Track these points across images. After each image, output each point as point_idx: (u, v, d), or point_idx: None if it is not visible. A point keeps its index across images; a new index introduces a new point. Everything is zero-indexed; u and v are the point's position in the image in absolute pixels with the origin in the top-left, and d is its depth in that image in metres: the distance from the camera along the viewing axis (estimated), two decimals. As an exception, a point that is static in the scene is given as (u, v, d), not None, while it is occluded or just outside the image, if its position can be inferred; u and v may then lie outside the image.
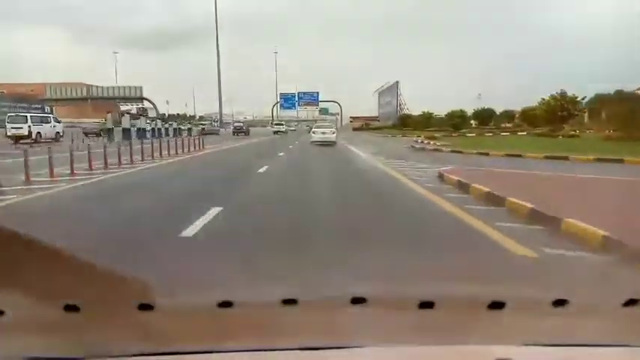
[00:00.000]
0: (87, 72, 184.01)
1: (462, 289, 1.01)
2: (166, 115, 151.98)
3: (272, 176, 13.52)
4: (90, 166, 14.38)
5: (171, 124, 48.72)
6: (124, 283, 0.99)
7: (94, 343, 0.81)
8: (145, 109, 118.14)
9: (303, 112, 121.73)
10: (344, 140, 37.22)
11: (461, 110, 61.09)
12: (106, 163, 15.40)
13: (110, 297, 0.92)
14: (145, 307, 0.87)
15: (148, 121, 47.77)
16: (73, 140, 26.25)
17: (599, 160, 17.17)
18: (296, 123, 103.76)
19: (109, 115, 40.12)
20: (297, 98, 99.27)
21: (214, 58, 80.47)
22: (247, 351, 0.79)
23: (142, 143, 20.04)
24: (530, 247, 5.16)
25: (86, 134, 42.88)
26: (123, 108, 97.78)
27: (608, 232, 5.26)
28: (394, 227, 6.50)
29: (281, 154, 22.71)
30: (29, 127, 29.48)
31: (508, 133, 46.90)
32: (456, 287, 1.03)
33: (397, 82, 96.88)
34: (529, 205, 7.08)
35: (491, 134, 46.70)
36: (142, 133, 36.69)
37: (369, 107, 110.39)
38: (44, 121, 31.79)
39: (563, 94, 38.56)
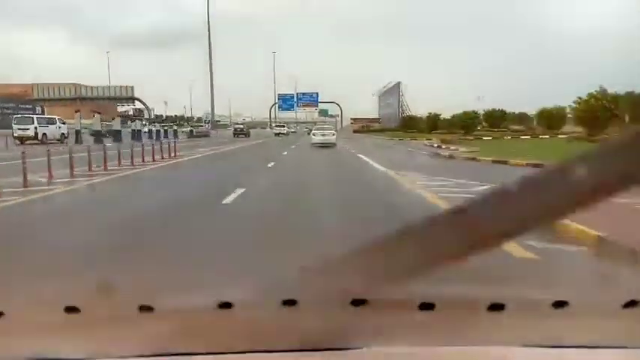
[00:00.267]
0: (85, 72, 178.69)
1: (462, 291, 0.99)
2: (164, 116, 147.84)
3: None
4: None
5: (154, 126, 43.58)
6: (124, 285, 0.98)
7: (95, 345, 0.81)
8: (140, 111, 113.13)
9: (302, 114, 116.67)
10: (348, 145, 31.96)
11: (473, 111, 55.37)
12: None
13: (110, 298, 0.92)
14: (145, 308, 0.85)
15: (131, 123, 44.17)
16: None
17: None
18: (295, 125, 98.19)
19: (96, 117, 36.97)
20: (295, 99, 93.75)
21: (213, 59, 75.06)
22: (247, 352, 0.78)
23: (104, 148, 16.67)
24: None
25: None
26: (120, 109, 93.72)
27: None
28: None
29: (270, 164, 17.35)
30: (35, 128, 29.78)
31: (529, 137, 41.30)
32: (456, 288, 0.99)
33: (399, 82, 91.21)
34: None
35: (509, 137, 41.28)
36: (116, 134, 33.63)
37: (368, 109, 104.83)
38: (50, 122, 31.85)
39: (604, 92, 32.60)
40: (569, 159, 0.55)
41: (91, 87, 78.86)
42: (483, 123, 59.09)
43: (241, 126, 65.06)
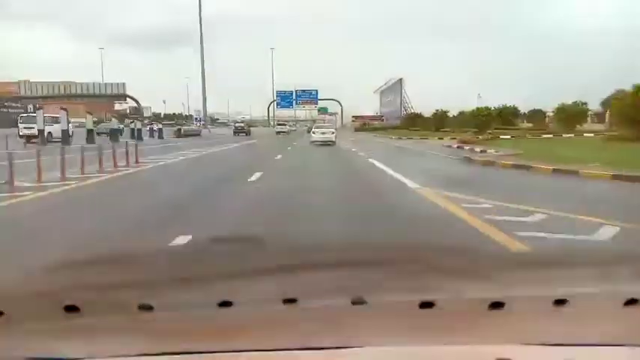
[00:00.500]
0: (83, 72, 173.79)
1: (462, 289, 0.98)
2: (162, 114, 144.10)
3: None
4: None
5: (134, 124, 38.54)
6: (124, 283, 0.99)
7: (95, 344, 0.80)
8: (137, 109, 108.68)
9: (301, 112, 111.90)
10: (354, 146, 26.98)
11: (487, 108, 50.17)
12: None
13: (110, 297, 0.91)
14: (145, 307, 0.85)
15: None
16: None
17: None
18: (294, 123, 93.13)
19: (89, 117, 34.18)
20: (294, 96, 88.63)
21: (212, 57, 70.15)
22: (247, 351, 0.77)
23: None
24: None
25: None
26: (117, 107, 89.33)
27: None
28: None
29: (257, 175, 12.18)
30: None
31: (550, 135, 36.38)
32: (457, 287, 0.99)
33: (401, 79, 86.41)
34: None
35: (529, 136, 36.44)
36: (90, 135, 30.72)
37: (369, 106, 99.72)
38: (55, 121, 31.17)
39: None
40: None
41: (81, 84, 73.58)
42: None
43: (242, 124, 62.84)
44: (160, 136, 40.18)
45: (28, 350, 0.77)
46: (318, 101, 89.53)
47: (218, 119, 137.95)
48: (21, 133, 28.89)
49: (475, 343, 0.80)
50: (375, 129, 70.54)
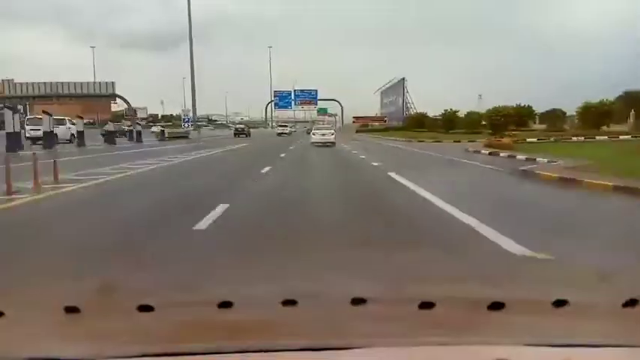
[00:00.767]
0: (81, 72, 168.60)
1: (461, 290, 0.97)
2: (160, 115, 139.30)
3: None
4: None
5: (108, 126, 33.51)
6: (124, 284, 0.97)
7: (95, 344, 0.79)
8: (134, 110, 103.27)
9: (300, 113, 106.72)
10: (363, 152, 22.06)
11: (504, 107, 44.72)
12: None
13: (110, 298, 0.91)
14: (145, 308, 0.85)
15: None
16: None
17: None
18: (293, 124, 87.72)
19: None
20: (293, 96, 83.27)
21: (210, 57, 65.11)
22: (247, 352, 0.76)
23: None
24: None
25: None
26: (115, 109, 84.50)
27: None
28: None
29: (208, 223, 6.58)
30: None
31: (581, 138, 31.21)
32: (456, 288, 0.98)
33: (403, 78, 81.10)
34: None
35: (555, 139, 31.17)
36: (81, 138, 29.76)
37: (370, 107, 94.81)
38: (60, 123, 30.91)
39: None
40: None
41: (69, 83, 67.97)
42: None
43: (242, 126, 61.05)
44: (139, 139, 34.72)
45: (28, 350, 0.76)
46: (318, 102, 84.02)
47: (216, 120, 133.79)
48: (27, 135, 28.28)
49: (475, 343, 0.79)
50: (376, 130, 65.53)
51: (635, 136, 29.61)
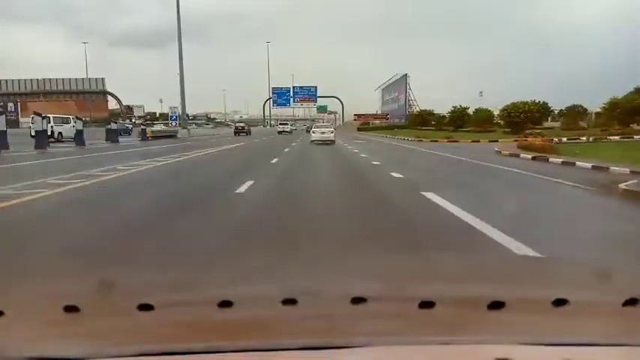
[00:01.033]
0: (80, 69, 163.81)
1: (461, 289, 0.96)
2: (158, 113, 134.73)
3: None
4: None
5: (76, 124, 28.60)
6: (124, 283, 0.97)
7: (94, 344, 0.78)
8: (130, 108, 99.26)
9: (299, 110, 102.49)
10: (372, 155, 17.72)
11: (525, 103, 39.74)
12: None
13: (110, 297, 0.91)
14: (145, 307, 0.84)
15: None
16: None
17: None
18: (292, 122, 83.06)
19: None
20: (292, 93, 78.60)
21: (209, 55, 60.35)
22: (247, 351, 0.75)
23: None
24: None
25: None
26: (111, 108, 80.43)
27: None
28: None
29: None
30: (52, 127, 28.54)
31: (617, 137, 26.67)
32: (456, 287, 0.98)
33: (406, 74, 76.76)
34: None
35: (583, 138, 26.82)
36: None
37: (370, 104, 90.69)
38: (65, 121, 30.98)
39: None
40: None
41: (56, 80, 63.44)
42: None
43: (242, 124, 60.36)
44: (115, 140, 30.06)
45: (28, 350, 0.74)
46: (318, 99, 79.31)
47: (215, 118, 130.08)
48: (32, 133, 26.95)
49: (475, 342, 0.78)
50: (378, 128, 62.87)
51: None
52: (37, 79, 66.16)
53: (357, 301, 0.85)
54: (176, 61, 46.85)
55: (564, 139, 25.90)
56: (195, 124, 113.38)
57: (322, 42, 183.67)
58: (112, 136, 30.77)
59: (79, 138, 27.06)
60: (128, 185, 9.89)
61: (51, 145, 25.18)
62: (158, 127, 45.36)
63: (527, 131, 33.97)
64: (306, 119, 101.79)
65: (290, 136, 45.53)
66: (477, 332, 0.82)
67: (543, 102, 42.10)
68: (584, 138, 27.17)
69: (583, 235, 5.40)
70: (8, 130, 21.51)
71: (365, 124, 74.39)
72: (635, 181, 9.70)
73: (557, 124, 45.91)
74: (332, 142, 27.59)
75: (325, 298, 0.91)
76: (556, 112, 47.76)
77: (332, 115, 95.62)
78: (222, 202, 7.28)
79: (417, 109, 69.87)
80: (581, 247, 4.76)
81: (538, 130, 34.46)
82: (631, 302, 0.88)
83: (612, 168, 12.22)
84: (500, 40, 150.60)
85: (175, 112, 55.63)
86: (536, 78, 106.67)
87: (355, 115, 79.42)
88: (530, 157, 16.81)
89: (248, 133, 52.65)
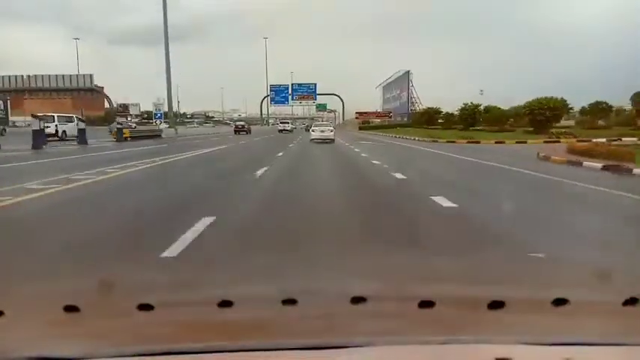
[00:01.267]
0: (76, 68, 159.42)
1: (461, 288, 0.96)
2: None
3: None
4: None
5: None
6: (124, 283, 0.96)
7: (94, 344, 0.77)
8: (126, 106, 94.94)
9: (298, 109, 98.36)
10: (387, 162, 14.57)
11: (549, 99, 35.00)
12: None
13: (110, 297, 0.91)
14: (145, 307, 0.83)
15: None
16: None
17: None
18: (291, 121, 78.46)
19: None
20: (290, 91, 74.13)
21: (208, 55, 56.07)
22: (247, 351, 0.74)
23: None
24: None
25: None
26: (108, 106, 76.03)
27: None
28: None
29: None
30: (56, 125, 29.47)
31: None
32: (456, 286, 0.97)
33: (408, 71, 72.81)
34: None
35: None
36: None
37: (371, 102, 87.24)
38: (69, 120, 31.09)
39: None
40: None
41: (42, 76, 58.98)
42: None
43: (242, 123, 58.13)
44: (82, 141, 25.28)
45: (28, 350, 0.74)
46: (317, 96, 74.78)
47: (213, 117, 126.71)
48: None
49: (475, 341, 0.77)
50: (380, 127, 60.20)
51: None
52: (23, 76, 61.67)
53: (357, 300, 0.83)
54: (175, 60, 42.58)
55: (603, 140, 21.57)
56: (197, 122, 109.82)
57: (321, 41, 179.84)
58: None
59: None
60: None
61: (51, 143, 24.50)
62: (142, 126, 40.35)
63: (553, 130, 29.62)
64: (305, 118, 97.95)
65: (291, 135, 44.88)
66: (477, 332, 0.81)
67: (561, 98, 37.56)
68: (628, 138, 22.77)
69: None
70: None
71: (365, 122, 70.11)
72: None
73: (569, 123, 41.50)
74: (331, 140, 27.21)
75: (325, 297, 0.89)
76: (575, 109, 43.28)
77: (331, 114, 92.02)
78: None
79: (420, 107, 65.93)
80: None
81: (563, 130, 30.08)
82: (631, 302, 0.86)
83: None
84: (500, 39, 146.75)
85: (160, 109, 50.31)
86: (536, 77, 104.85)
87: (357, 113, 75.25)
88: (599, 165, 12.48)
89: (248, 131, 51.79)
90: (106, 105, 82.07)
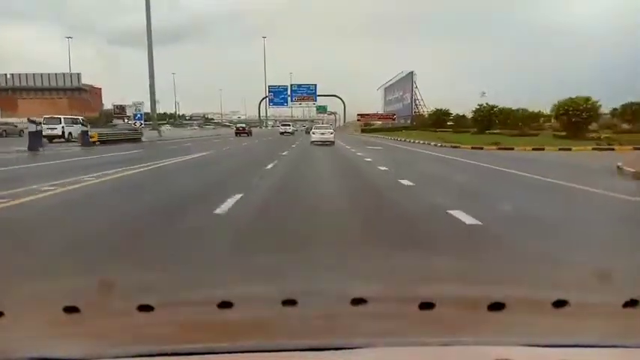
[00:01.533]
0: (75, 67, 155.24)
1: (462, 290, 0.94)
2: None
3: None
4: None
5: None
6: (124, 284, 0.94)
7: (95, 344, 0.76)
8: (122, 107, 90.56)
9: (298, 111, 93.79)
10: (428, 186, 10.03)
11: (586, 99, 29.83)
12: None
13: (110, 297, 0.89)
14: (145, 307, 0.82)
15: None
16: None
17: None
18: (291, 123, 73.87)
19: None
20: (289, 92, 69.54)
21: (208, 57, 51.55)
22: (247, 352, 0.73)
23: None
24: None
25: None
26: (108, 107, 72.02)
27: None
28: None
29: None
30: (62, 127, 29.64)
31: None
32: (456, 288, 0.95)
33: (412, 72, 68.38)
34: None
35: None
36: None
37: (370, 105, 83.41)
38: (75, 122, 31.05)
39: None
40: None
41: (26, 75, 54.38)
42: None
43: (243, 125, 57.31)
44: (34, 146, 20.08)
45: (29, 350, 0.73)
46: (317, 98, 70.19)
47: (213, 119, 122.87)
48: (44, 134, 25.35)
49: (475, 343, 0.76)
50: (383, 130, 57.56)
51: None
52: (6, 75, 56.98)
53: (358, 301, 0.82)
54: (175, 60, 38.01)
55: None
56: (197, 124, 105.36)
57: (321, 43, 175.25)
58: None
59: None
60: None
61: (52, 145, 24.65)
62: (113, 128, 34.84)
63: (600, 134, 24.91)
64: (305, 120, 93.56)
65: (292, 137, 44.18)
66: (477, 333, 0.80)
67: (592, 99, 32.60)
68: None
69: None
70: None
71: (367, 124, 65.42)
72: None
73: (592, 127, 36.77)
74: (331, 142, 26.97)
75: (325, 298, 0.88)
76: (606, 111, 38.53)
77: (332, 116, 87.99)
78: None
79: (424, 109, 61.41)
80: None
81: (607, 134, 25.29)
82: (631, 303, 0.85)
83: None
84: (501, 40, 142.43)
85: (140, 110, 44.32)
86: (536, 78, 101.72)
87: (359, 115, 70.85)
88: None
89: (249, 134, 50.82)
90: (106, 105, 78.46)
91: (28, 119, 23.47)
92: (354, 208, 6.89)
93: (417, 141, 31.78)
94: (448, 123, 49.45)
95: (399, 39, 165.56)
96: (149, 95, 42.02)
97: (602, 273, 1.00)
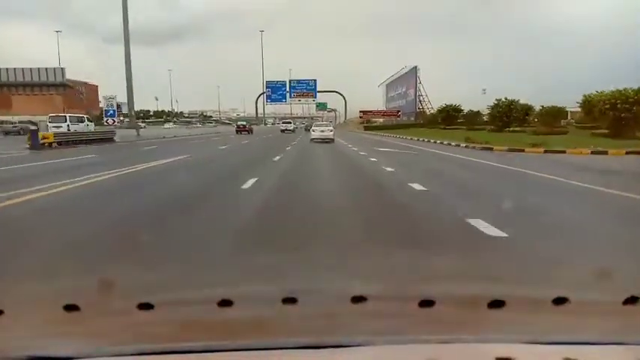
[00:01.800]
0: (73, 65, 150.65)
1: (462, 287, 0.94)
2: (151, 112, 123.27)
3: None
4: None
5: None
6: (124, 283, 0.93)
7: (94, 343, 0.76)
8: (118, 106, 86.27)
9: (297, 108, 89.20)
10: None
11: (637, 92, 24.94)
12: None
13: (110, 296, 0.89)
14: (145, 306, 0.82)
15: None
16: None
17: None
18: (292, 121, 69.41)
19: None
20: (288, 88, 64.74)
21: (207, 55, 47.39)
22: (248, 350, 0.72)
23: None
24: None
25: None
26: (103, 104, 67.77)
27: None
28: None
29: None
30: (68, 125, 27.76)
31: None
32: (456, 285, 0.94)
33: (416, 67, 63.80)
34: None
35: None
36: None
37: (371, 101, 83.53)
38: (80, 120, 30.08)
39: None
40: None
41: (7, 69, 49.51)
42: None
43: (244, 123, 55.55)
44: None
45: (28, 350, 0.72)
46: (317, 94, 65.36)
47: (211, 117, 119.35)
48: (50, 132, 25.16)
49: (475, 341, 0.75)
50: (386, 127, 53.78)
51: None
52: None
53: (358, 299, 0.81)
54: (175, 60, 33.58)
55: None
56: (196, 121, 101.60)
57: (321, 40, 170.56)
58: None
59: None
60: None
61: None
62: (80, 125, 29.66)
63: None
64: (304, 117, 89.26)
65: (292, 134, 44.15)
66: (478, 331, 0.79)
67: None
68: None
69: None
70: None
71: (368, 122, 60.98)
72: None
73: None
74: (331, 140, 26.62)
75: (325, 297, 0.87)
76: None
77: (332, 113, 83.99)
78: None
79: (429, 105, 57.21)
80: None
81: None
82: (631, 301, 0.84)
83: None
84: (501, 38, 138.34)
85: (112, 105, 37.60)
86: (537, 76, 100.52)
87: (360, 111, 66.66)
88: None
89: (250, 131, 49.94)
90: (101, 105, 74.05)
91: (29, 121, 24.40)
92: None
93: (431, 140, 27.18)
94: (458, 120, 45.02)
95: (399, 38, 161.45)
96: (126, 92, 37.22)
97: (602, 271, 0.98)
